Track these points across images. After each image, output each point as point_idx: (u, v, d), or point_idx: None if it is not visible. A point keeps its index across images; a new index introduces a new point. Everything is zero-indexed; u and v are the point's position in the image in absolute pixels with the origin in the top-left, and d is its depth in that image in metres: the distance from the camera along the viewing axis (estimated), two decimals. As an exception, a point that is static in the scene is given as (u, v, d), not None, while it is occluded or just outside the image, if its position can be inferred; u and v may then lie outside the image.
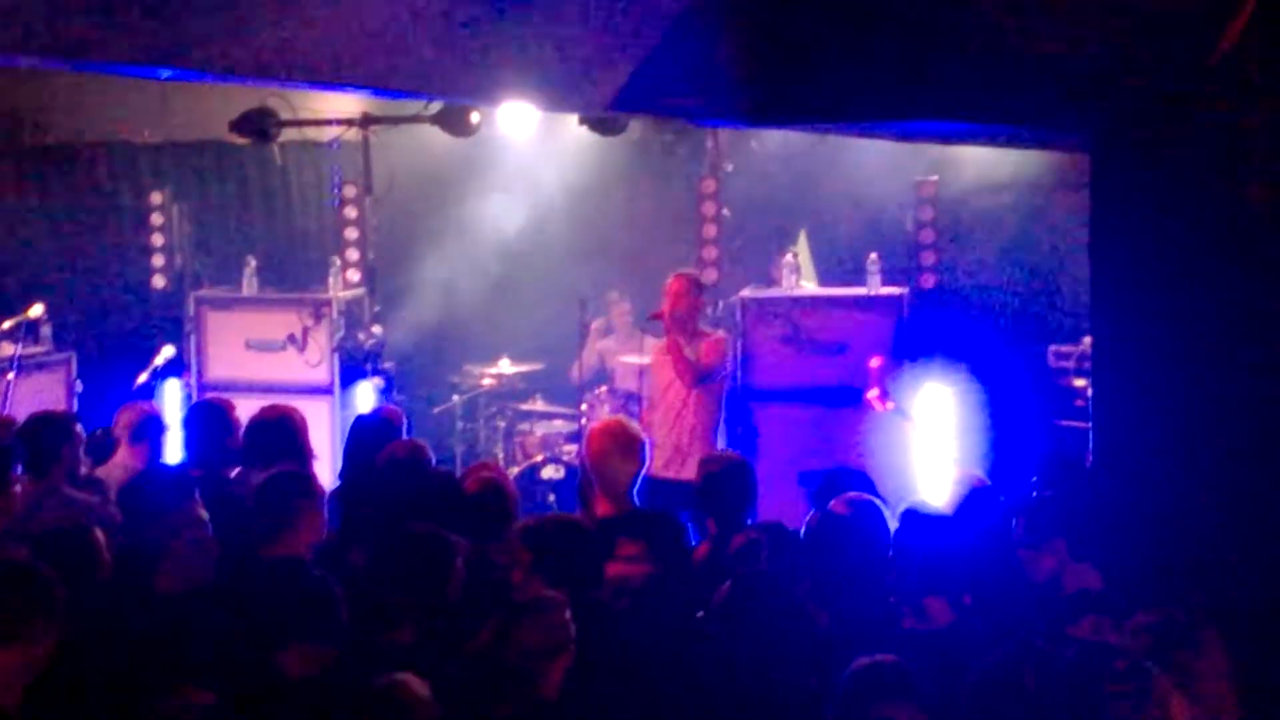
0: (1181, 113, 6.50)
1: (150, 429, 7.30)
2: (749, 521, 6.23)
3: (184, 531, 5.21)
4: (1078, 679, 4.14)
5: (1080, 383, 9.62)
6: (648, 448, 6.46)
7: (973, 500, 6.11)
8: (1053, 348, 10.29)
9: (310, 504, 5.55)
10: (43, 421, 6.61)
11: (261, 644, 4.70)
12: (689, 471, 7.47)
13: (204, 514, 5.31)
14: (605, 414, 9.87)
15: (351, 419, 7.77)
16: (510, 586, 5.22)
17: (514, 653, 4.60)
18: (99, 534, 5.23)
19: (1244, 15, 6.08)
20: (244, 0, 5.44)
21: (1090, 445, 7.05)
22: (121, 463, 7.13)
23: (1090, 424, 7.12)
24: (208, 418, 7.00)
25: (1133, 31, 6.54)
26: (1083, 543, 5.67)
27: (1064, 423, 9.67)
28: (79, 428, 6.69)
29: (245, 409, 6.96)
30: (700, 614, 5.16)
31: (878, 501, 5.76)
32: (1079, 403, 9.43)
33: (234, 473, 6.69)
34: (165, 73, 5.87)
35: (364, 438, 6.90)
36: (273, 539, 5.40)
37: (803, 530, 5.58)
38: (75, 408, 10.02)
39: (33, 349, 9.99)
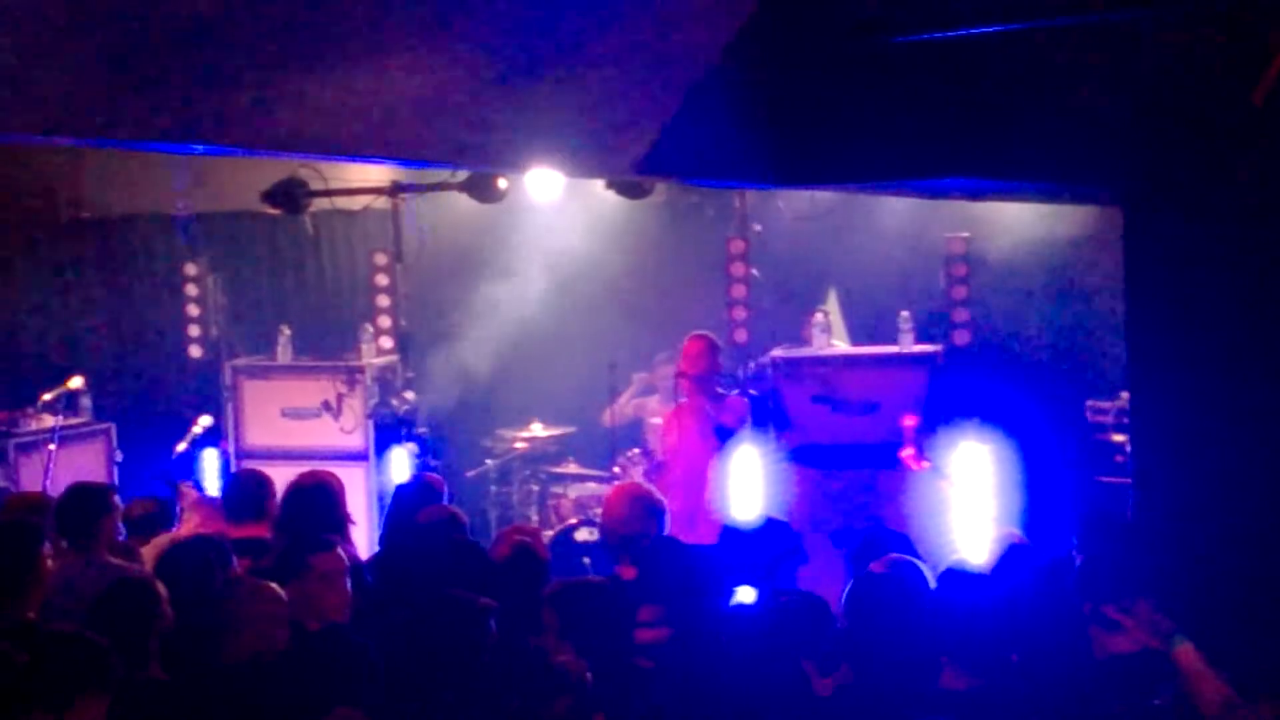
0: (1217, 161, 6.48)
1: None
2: (787, 583, 6.19)
3: (256, 601, 5.20)
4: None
5: (1119, 438, 9.53)
6: (667, 511, 6.46)
7: (1011, 558, 6.05)
8: (1090, 403, 10.21)
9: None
10: (81, 494, 6.63)
11: (303, 710, 4.72)
12: (709, 534, 7.47)
13: (275, 584, 5.31)
14: (638, 475, 9.84)
15: (386, 485, 7.78)
16: (540, 651, 5.21)
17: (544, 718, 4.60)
18: (160, 585, 5.29)
19: (1277, 64, 6.07)
20: (273, 75, 5.49)
21: (1131, 501, 6.99)
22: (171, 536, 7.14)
23: (1130, 480, 7.06)
24: (246, 487, 7.03)
25: (1165, 82, 6.54)
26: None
27: (1104, 479, 9.57)
28: (117, 499, 6.71)
29: (282, 476, 6.98)
30: None
31: (917, 562, 5.72)
32: (1118, 458, 9.35)
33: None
34: (197, 148, 5.93)
35: (404, 505, 6.91)
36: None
37: (845, 593, 5.53)
38: (115, 478, 10.09)
39: (73, 420, 10.10)
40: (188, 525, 7.31)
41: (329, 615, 5.48)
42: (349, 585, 5.73)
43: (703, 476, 8.80)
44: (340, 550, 5.87)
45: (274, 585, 5.28)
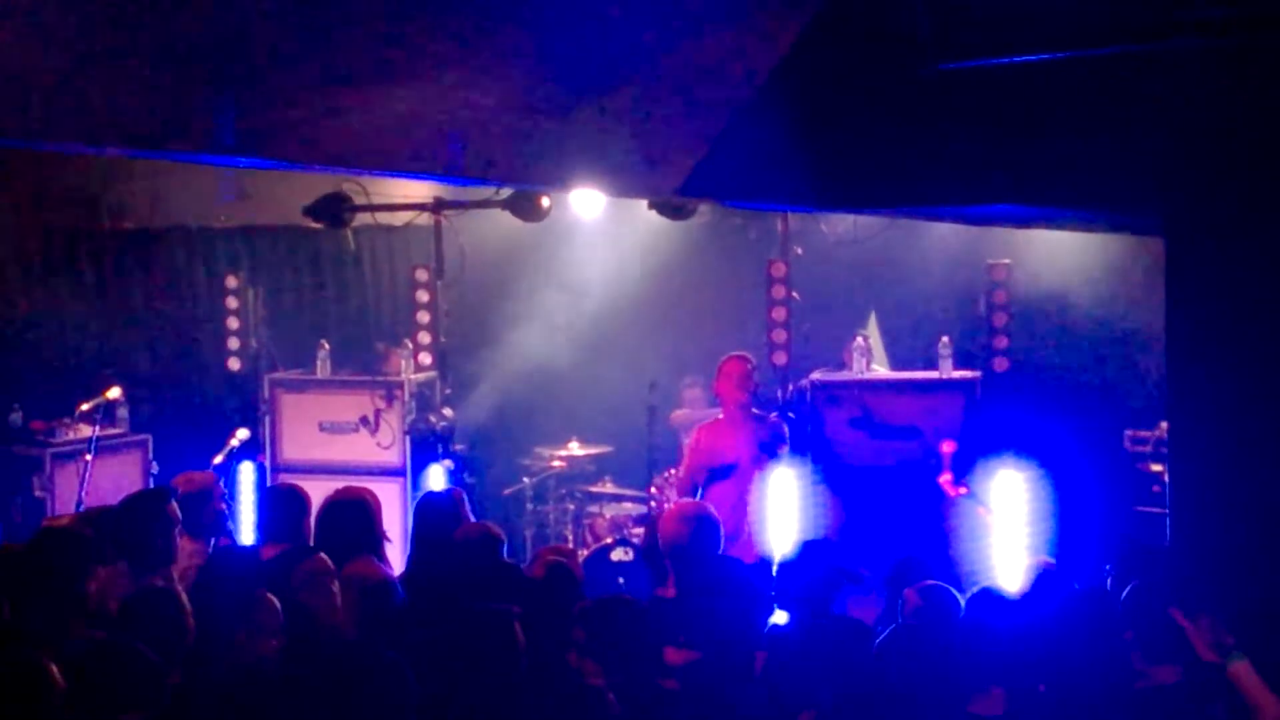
0: (1260, 191, 6.45)
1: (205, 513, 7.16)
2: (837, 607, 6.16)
3: (252, 619, 5.22)
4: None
5: (1157, 468, 9.48)
6: (722, 532, 6.45)
7: (1044, 585, 6.01)
8: (1129, 432, 10.17)
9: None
10: (150, 515, 6.29)
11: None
12: (747, 553, 7.43)
13: (274, 600, 5.31)
14: (672, 495, 9.82)
15: (422, 500, 7.77)
16: (575, 672, 5.20)
17: None
18: (184, 597, 5.29)
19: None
20: (322, 92, 5.53)
21: (1169, 532, 6.94)
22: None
23: (1168, 509, 7.01)
24: (282, 501, 7.03)
25: (1210, 111, 6.52)
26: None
27: (1142, 509, 9.52)
28: (176, 509, 6.57)
29: (318, 491, 6.98)
30: None
31: (951, 589, 5.69)
32: (1156, 489, 9.30)
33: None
34: (241, 162, 5.98)
35: (429, 516, 6.91)
36: None
37: (881, 624, 5.51)
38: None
39: (110, 431, 10.13)
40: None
41: (321, 618, 5.51)
42: (334, 590, 5.73)
43: (745, 496, 8.79)
44: (324, 556, 5.88)
45: (270, 596, 5.28)
